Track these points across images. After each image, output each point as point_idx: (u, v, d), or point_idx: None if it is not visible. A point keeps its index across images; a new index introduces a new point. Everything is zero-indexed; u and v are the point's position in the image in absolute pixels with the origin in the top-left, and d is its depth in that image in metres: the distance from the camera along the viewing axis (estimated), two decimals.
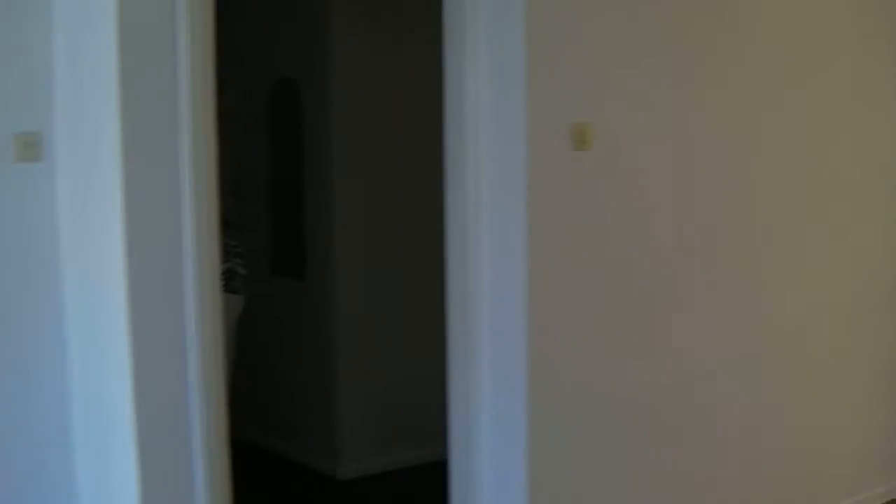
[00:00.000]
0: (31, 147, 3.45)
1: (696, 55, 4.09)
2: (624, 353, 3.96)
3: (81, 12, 3.37)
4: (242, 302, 4.42)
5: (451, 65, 3.75)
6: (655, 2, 3.97)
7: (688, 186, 4.10)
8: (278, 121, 5.55)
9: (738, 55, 4.22)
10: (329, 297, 5.31)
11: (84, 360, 3.56)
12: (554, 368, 3.75)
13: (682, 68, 4.06)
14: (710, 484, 4.28)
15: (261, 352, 5.55)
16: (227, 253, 4.04)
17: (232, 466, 3.55)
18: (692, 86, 4.09)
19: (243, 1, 5.35)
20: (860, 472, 4.87)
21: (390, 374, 5.44)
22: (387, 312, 5.40)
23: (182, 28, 3.22)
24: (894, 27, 4.74)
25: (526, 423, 3.68)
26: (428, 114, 5.15)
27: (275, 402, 5.71)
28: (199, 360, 3.35)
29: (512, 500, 3.75)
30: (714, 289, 4.22)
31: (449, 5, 3.74)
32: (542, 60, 3.62)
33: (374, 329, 5.38)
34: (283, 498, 5.18)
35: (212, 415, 3.41)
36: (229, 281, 4.16)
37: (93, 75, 3.32)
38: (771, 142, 4.35)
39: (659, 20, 3.97)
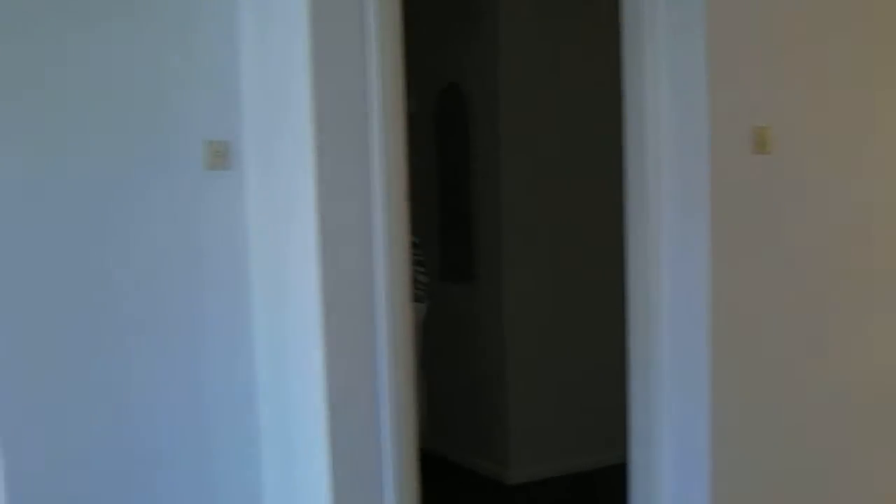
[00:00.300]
0: (221, 155, 3.59)
1: (871, 58, 4.00)
2: (805, 357, 3.88)
3: (269, 23, 3.47)
4: (424, 309, 4.47)
5: (629, 69, 3.72)
6: (832, 7, 3.90)
7: (863, 190, 4.01)
8: (445, 126, 5.60)
9: None
10: (498, 302, 5.33)
11: (273, 364, 3.65)
12: (736, 370, 3.68)
13: (858, 72, 3.97)
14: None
15: (429, 357, 5.61)
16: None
17: None
18: (869, 89, 4.00)
19: (411, 9, 5.41)
20: None
21: (561, 379, 5.43)
22: (557, 317, 5.40)
23: (371, 37, 3.29)
24: None
25: (709, 427, 3.62)
26: (596, 114, 5.15)
27: (443, 407, 5.76)
28: (390, 367, 3.40)
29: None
30: (889, 293, 4.12)
31: (627, 8, 3.71)
32: (723, 63, 3.58)
33: (543, 333, 5.38)
34: (452, 502, 5.22)
35: (402, 422, 3.46)
36: (412, 289, 4.21)
37: (282, 85, 3.41)
38: None
39: (836, 24, 3.90)
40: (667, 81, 3.62)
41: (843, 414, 4.00)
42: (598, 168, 5.19)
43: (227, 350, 3.69)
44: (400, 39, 3.39)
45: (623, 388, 3.91)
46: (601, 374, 5.27)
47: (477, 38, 5.33)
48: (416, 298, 4.34)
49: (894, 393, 4.14)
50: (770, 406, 3.81)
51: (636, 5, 3.67)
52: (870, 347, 4.07)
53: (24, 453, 3.49)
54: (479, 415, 5.53)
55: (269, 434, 3.70)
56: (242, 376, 3.71)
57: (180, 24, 3.57)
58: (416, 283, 4.39)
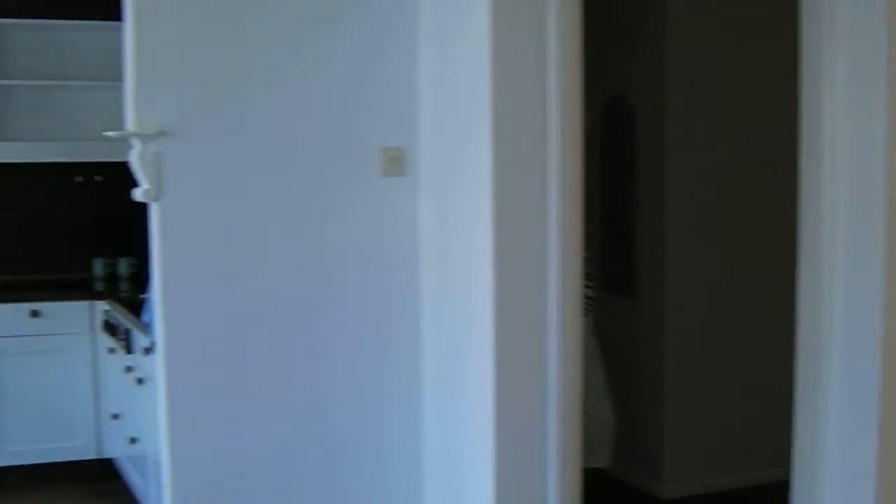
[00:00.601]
0: (397, 162, 3.67)
1: None
2: None
3: (449, 35, 3.51)
4: (590, 323, 4.40)
5: (807, 74, 3.62)
6: None
7: None
8: (609, 138, 5.58)
9: None
10: (659, 314, 5.28)
11: (438, 371, 3.70)
12: None
13: None
14: None
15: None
16: None
17: None
18: None
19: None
20: None
21: (721, 393, 5.34)
22: (719, 331, 5.31)
23: (552, 49, 3.31)
24: None
25: (876, 450, 3.50)
26: (766, 123, 5.06)
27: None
28: (560, 383, 3.41)
29: None
30: None
31: (805, 10, 3.63)
32: None
33: (705, 347, 5.31)
34: None
35: (568, 436, 3.47)
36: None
37: (459, 95, 3.45)
38: None
39: None
40: (844, 86, 3.52)
41: None
42: (768, 182, 5.09)
43: (395, 350, 3.77)
44: (580, 53, 3.40)
45: (785, 405, 3.83)
46: (763, 389, 5.17)
47: (643, 48, 5.30)
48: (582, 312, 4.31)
49: None
50: None
51: (815, 7, 3.59)
52: None
53: (195, 449, 3.62)
54: (635, 427, 5.48)
55: (433, 440, 3.74)
56: (409, 374, 3.78)
57: (364, 37, 3.66)
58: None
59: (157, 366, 3.72)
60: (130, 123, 3.50)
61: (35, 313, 5.44)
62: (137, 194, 3.54)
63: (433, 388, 3.74)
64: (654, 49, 5.22)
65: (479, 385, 3.42)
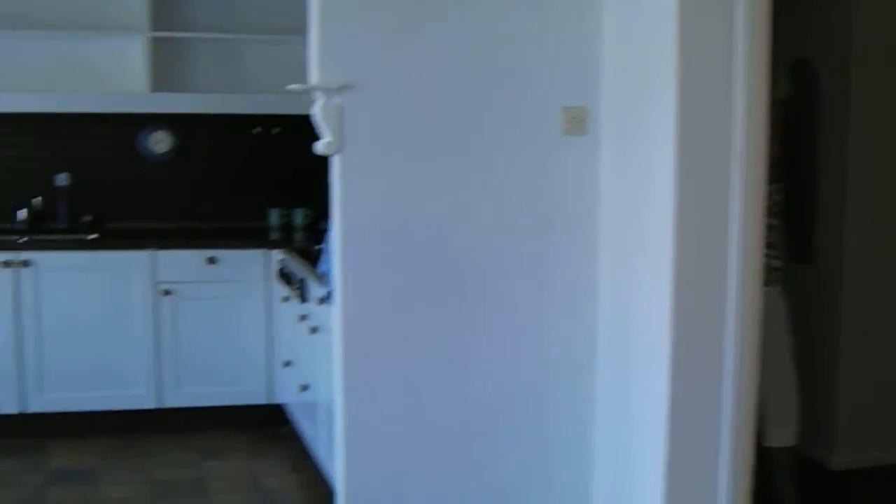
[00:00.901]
0: (578, 121, 3.65)
1: None
2: None
3: None
4: (775, 294, 4.26)
5: None
6: None
7: None
8: (793, 103, 5.41)
9: None
10: (838, 282, 5.13)
11: (615, 327, 3.67)
12: None
13: None
14: None
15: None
16: None
17: None
18: None
19: None
20: None
21: None
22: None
23: (740, 14, 3.22)
24: None
25: None
26: None
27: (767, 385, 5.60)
28: (737, 354, 3.34)
29: None
30: None
31: None
32: None
33: (884, 316, 5.14)
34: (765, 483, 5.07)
35: (743, 411, 3.40)
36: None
37: (645, 57, 3.39)
38: None
39: None
40: None
41: None
42: None
43: (571, 310, 3.75)
44: (769, 17, 3.29)
45: None
46: None
47: (830, 12, 5.11)
48: (765, 283, 4.14)
49: None
50: None
51: None
52: None
53: (367, 398, 3.67)
54: (808, 396, 5.35)
55: (606, 403, 3.72)
56: (584, 336, 3.76)
57: None
58: (766, 267, 4.18)
59: (332, 316, 3.79)
60: (314, 77, 3.54)
61: (212, 260, 5.60)
62: (319, 147, 3.59)
63: (607, 353, 3.71)
64: (839, 11, 5.04)
65: (654, 353, 3.38)
